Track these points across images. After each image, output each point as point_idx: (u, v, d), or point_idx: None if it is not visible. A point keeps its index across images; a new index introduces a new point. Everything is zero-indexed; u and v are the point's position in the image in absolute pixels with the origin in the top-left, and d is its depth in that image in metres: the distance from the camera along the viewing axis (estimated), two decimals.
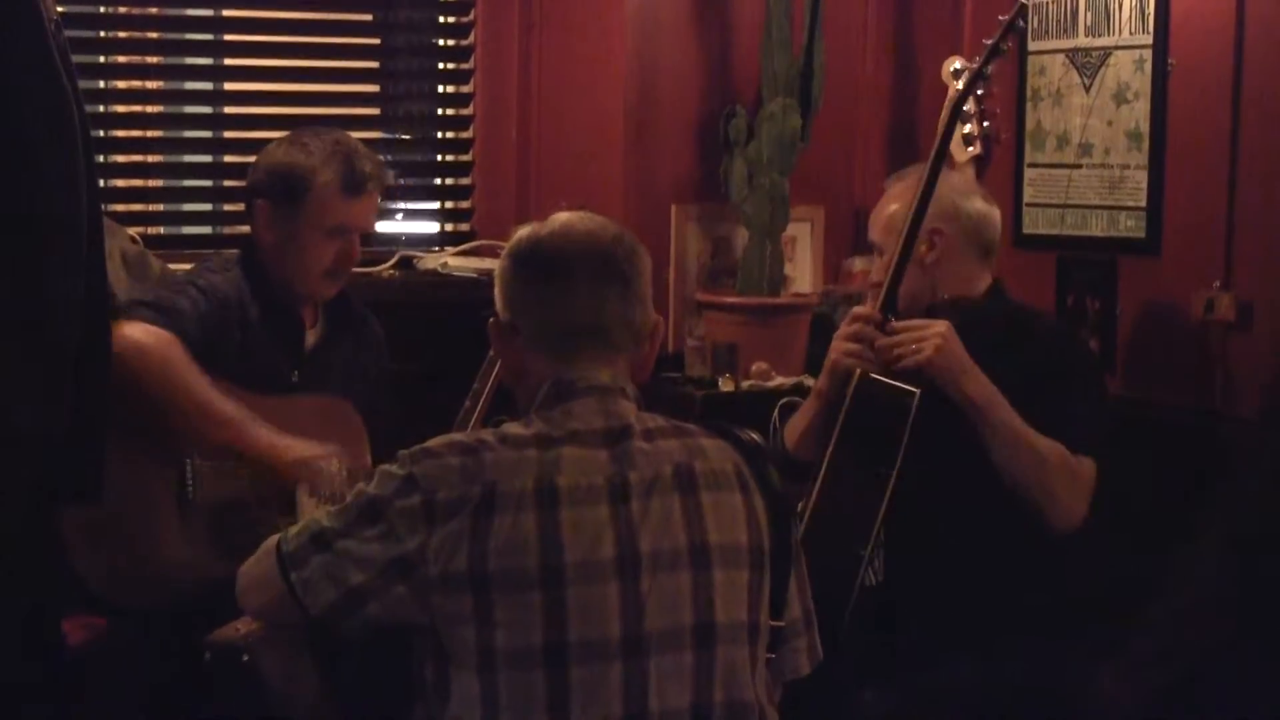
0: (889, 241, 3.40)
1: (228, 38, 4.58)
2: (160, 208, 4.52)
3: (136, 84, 4.59)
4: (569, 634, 2.24)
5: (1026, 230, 4.41)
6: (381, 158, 3.65)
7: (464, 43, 4.73)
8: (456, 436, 2.38)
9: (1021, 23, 3.46)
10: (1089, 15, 4.23)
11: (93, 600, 3.23)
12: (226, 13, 4.56)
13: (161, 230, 4.48)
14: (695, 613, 2.30)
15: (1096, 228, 4.23)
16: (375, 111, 4.79)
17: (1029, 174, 4.41)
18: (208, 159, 4.60)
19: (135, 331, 3.24)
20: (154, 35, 4.50)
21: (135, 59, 4.54)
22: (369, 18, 4.68)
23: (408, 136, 4.83)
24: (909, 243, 3.29)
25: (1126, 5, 4.12)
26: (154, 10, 4.48)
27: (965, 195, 3.44)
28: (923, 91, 4.73)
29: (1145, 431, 3.82)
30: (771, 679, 2.44)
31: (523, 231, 2.46)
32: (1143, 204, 4.10)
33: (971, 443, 3.23)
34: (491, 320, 2.47)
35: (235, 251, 3.61)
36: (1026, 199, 4.42)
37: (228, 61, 4.67)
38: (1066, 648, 3.12)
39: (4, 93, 2.50)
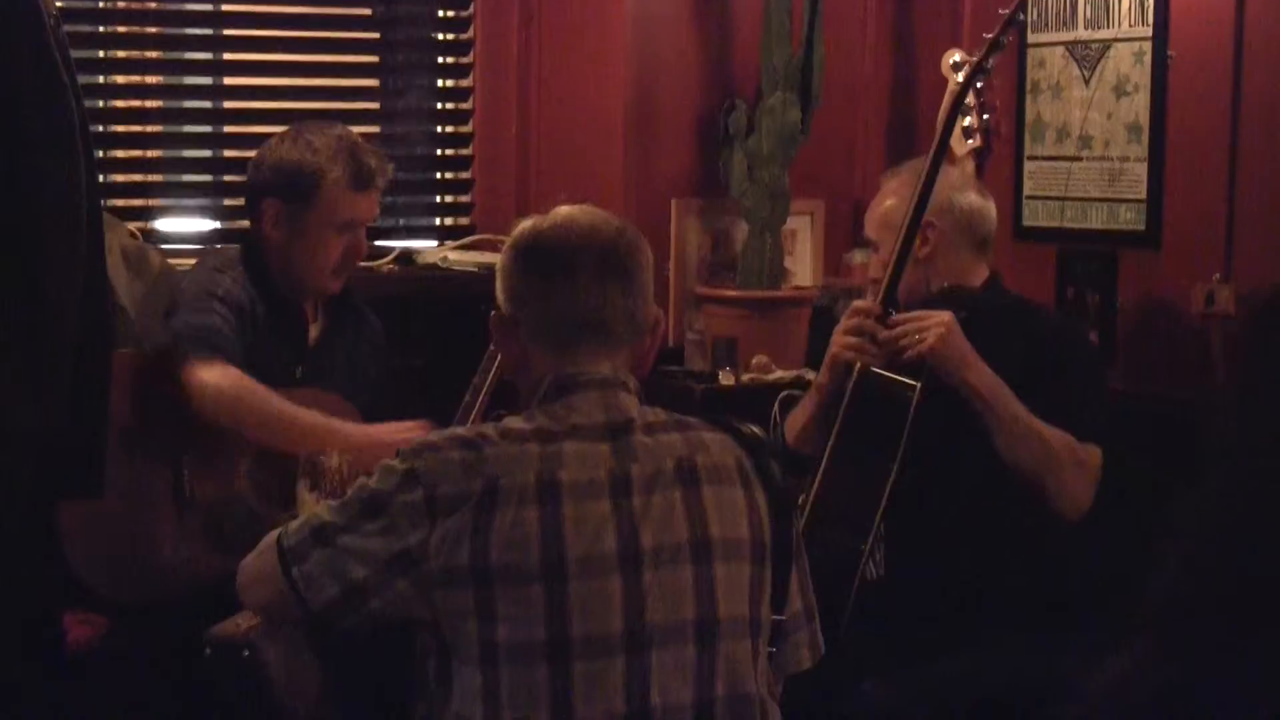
0: (885, 237, 3.40)
1: (227, 32, 4.57)
2: (160, 203, 4.52)
3: (136, 79, 4.59)
4: (571, 628, 2.24)
5: (1026, 223, 4.41)
6: (380, 151, 3.65)
7: (463, 37, 4.72)
8: (458, 431, 2.38)
9: (1021, 16, 3.46)
10: (1088, 8, 4.23)
11: (92, 597, 3.23)
12: (226, 7, 4.56)
13: (161, 226, 4.48)
14: (697, 607, 2.30)
15: (1096, 220, 4.23)
16: (375, 106, 4.78)
17: (1029, 167, 4.41)
18: (207, 154, 4.59)
19: (208, 377, 3.27)
20: (153, 30, 4.49)
21: (135, 54, 4.54)
22: (368, 12, 4.67)
23: (407, 131, 4.83)
24: (910, 236, 3.29)
25: None
26: (153, 5, 4.47)
27: (959, 189, 3.44)
28: (922, 84, 4.73)
29: (1146, 425, 3.82)
30: (773, 673, 2.44)
31: (524, 224, 2.45)
32: (1143, 197, 4.10)
33: (972, 436, 3.23)
34: (493, 314, 2.46)
35: (233, 247, 3.61)
36: (1026, 192, 4.42)
37: (227, 57, 4.66)
38: (1067, 641, 3.12)
39: (3, 88, 2.49)
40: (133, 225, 4.11)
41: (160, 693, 3.23)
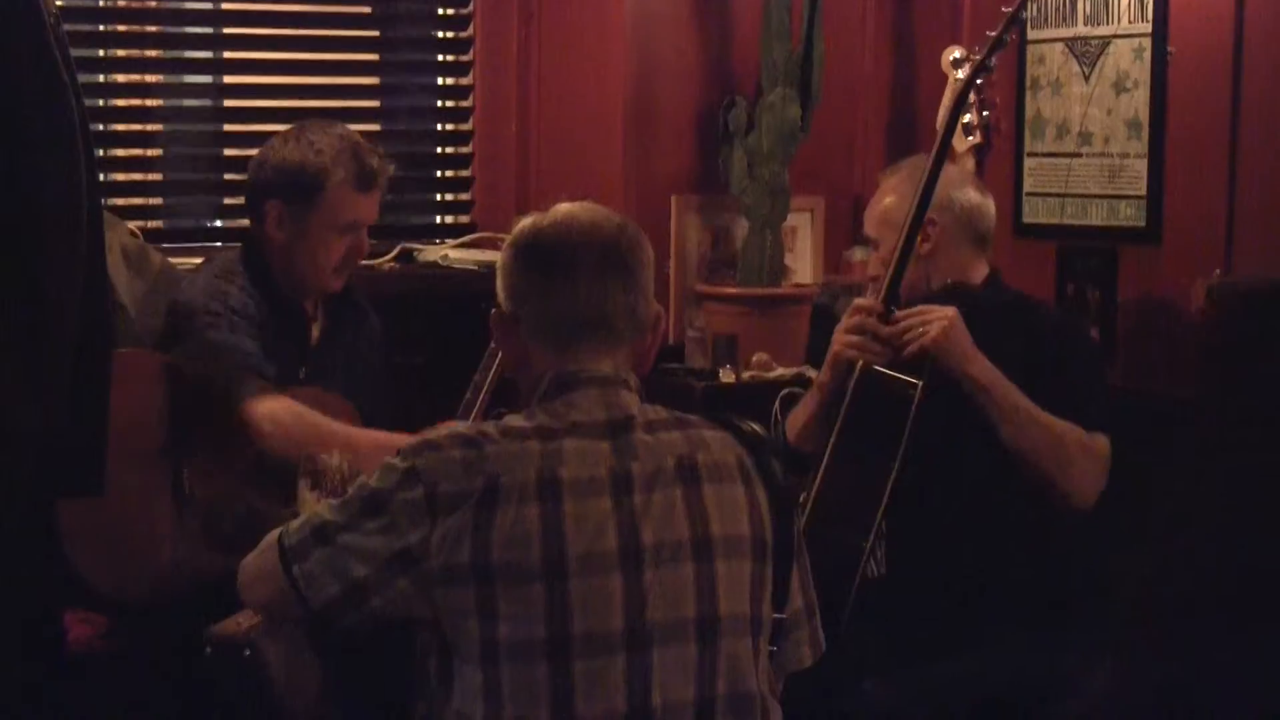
0: (885, 235, 3.40)
1: (227, 31, 4.57)
2: (160, 201, 4.52)
3: (136, 78, 4.59)
4: (572, 626, 2.24)
5: (1026, 219, 4.41)
6: (380, 150, 3.65)
7: (463, 34, 4.72)
8: (458, 429, 2.38)
9: (1024, 13, 3.46)
10: (1088, 4, 4.23)
11: (93, 597, 3.23)
12: (226, 6, 4.56)
13: (161, 224, 4.48)
14: (698, 605, 2.30)
15: (1096, 217, 4.23)
16: (375, 104, 4.79)
17: (1029, 163, 4.41)
18: (207, 152, 4.59)
19: (266, 411, 3.29)
20: (153, 29, 4.49)
21: (135, 53, 4.54)
22: (368, 10, 4.67)
23: (408, 129, 4.83)
24: (912, 234, 3.29)
25: None
26: (153, 4, 4.48)
27: (958, 186, 3.44)
28: (922, 81, 4.73)
29: (1146, 421, 3.81)
30: (774, 670, 2.44)
31: (525, 222, 2.45)
32: (1143, 193, 4.10)
33: (974, 434, 3.23)
34: (493, 311, 2.46)
35: (232, 250, 3.60)
36: (1026, 188, 4.42)
37: (227, 55, 4.66)
38: (1068, 640, 3.12)
39: (3, 88, 2.49)
40: (133, 224, 4.11)
41: (161, 692, 3.23)
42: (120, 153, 4.56)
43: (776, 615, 2.42)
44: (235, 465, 3.33)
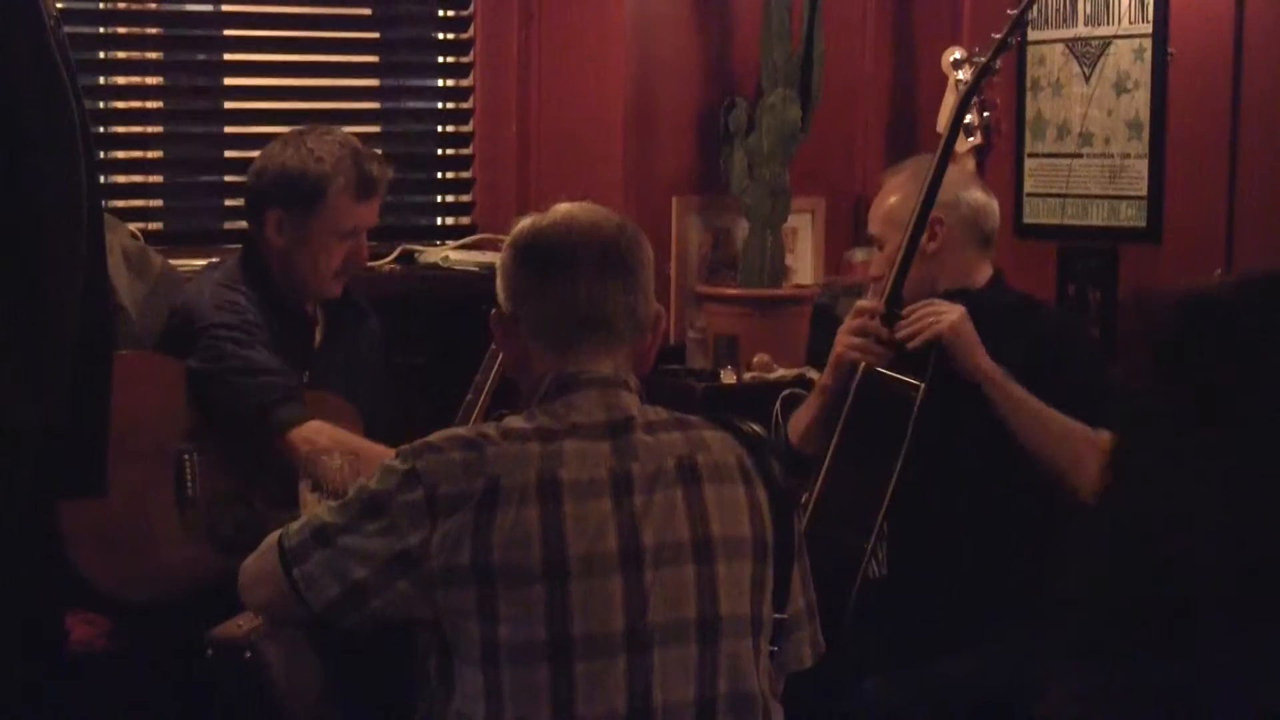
0: (889, 234, 3.39)
1: (227, 33, 4.57)
2: (160, 203, 4.52)
3: (136, 80, 4.59)
4: (573, 627, 2.24)
5: (1027, 220, 4.41)
6: (380, 152, 3.65)
7: (463, 36, 4.72)
8: (458, 431, 2.37)
9: (1028, 16, 3.46)
10: (1088, 5, 4.23)
11: (94, 597, 3.23)
12: (226, 8, 4.56)
13: (162, 226, 4.48)
14: (699, 606, 2.30)
15: (1097, 217, 4.23)
16: (375, 106, 4.79)
17: (1029, 164, 4.42)
18: (208, 154, 4.59)
19: (301, 435, 3.27)
20: (154, 31, 4.50)
21: (135, 55, 4.54)
22: (368, 12, 4.67)
23: (408, 130, 4.83)
24: (917, 232, 3.29)
25: None
26: (154, 6, 4.48)
27: (964, 186, 3.44)
28: (922, 82, 4.73)
29: None
30: (774, 671, 2.44)
31: (524, 222, 2.44)
32: (1143, 193, 4.10)
33: (975, 435, 3.23)
34: (493, 312, 2.45)
35: (231, 257, 3.60)
36: (1027, 189, 4.42)
37: (227, 57, 4.66)
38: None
39: (3, 88, 2.49)
40: (133, 226, 4.11)
41: (161, 693, 3.23)
42: (121, 154, 4.56)
43: (777, 615, 2.41)
44: (236, 467, 3.33)
